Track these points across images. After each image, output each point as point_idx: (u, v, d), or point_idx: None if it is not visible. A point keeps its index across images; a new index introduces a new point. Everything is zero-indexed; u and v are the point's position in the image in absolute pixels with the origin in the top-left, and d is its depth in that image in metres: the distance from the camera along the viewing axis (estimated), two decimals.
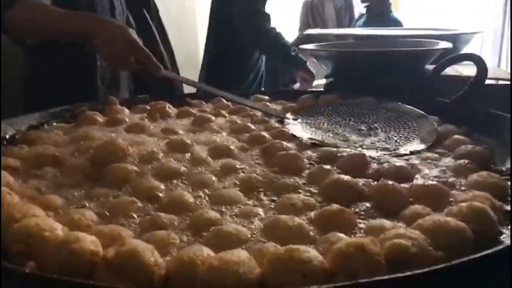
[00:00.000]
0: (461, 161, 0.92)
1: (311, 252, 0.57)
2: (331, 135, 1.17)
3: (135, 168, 0.93)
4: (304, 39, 3.51)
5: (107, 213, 0.77)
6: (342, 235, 0.67)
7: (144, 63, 1.42)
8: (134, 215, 0.77)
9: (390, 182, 0.81)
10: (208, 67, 3.02)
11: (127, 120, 1.29)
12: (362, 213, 0.76)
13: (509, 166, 0.92)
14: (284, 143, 1.04)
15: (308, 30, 3.56)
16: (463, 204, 0.70)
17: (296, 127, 1.22)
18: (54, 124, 1.28)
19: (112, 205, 0.80)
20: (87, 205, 0.81)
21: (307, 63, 2.86)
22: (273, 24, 2.81)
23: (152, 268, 0.57)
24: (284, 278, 0.54)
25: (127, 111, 1.41)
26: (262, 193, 0.85)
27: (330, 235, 0.66)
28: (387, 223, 0.71)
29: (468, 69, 1.65)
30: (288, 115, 1.32)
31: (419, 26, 3.20)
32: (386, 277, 0.52)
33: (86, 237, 0.60)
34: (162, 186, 0.87)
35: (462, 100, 1.29)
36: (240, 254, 0.57)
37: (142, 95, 1.58)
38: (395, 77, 1.50)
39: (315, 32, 3.09)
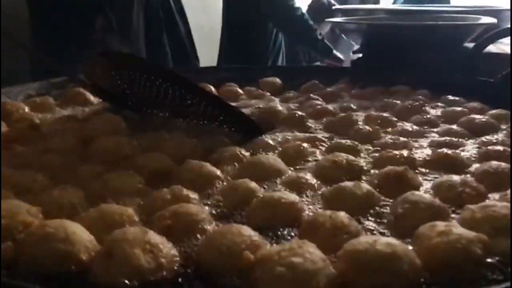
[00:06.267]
0: None
1: (406, 258, 0.45)
2: None
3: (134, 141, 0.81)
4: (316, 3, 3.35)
5: (100, 193, 0.64)
6: (421, 193, 0.60)
7: None
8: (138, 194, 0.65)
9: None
10: (225, 50, 2.88)
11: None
12: None
13: None
14: None
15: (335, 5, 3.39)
16: None
17: None
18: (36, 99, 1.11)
19: (105, 182, 0.66)
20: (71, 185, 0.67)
21: (334, 51, 2.70)
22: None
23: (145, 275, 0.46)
24: None
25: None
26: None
27: (409, 195, 0.59)
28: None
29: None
30: None
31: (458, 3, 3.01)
32: None
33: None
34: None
35: (508, 79, 1.15)
36: (312, 255, 0.45)
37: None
38: (431, 54, 1.38)
39: (344, 7, 2.92)
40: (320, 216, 0.54)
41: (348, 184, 0.63)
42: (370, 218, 0.58)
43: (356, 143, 0.83)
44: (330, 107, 1.08)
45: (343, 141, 0.84)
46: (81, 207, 0.60)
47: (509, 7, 1.94)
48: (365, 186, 0.62)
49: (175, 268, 0.48)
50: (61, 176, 0.70)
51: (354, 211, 0.57)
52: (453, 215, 0.58)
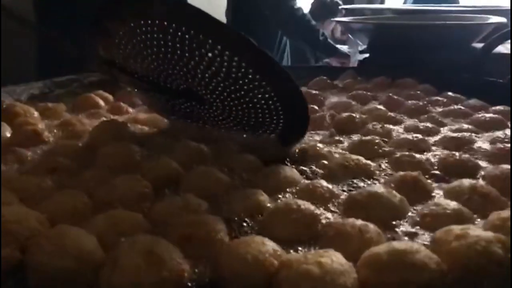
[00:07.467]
0: None
1: (423, 252, 0.45)
2: None
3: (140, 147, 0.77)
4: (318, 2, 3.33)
5: (105, 198, 0.62)
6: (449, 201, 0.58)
7: None
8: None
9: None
10: None
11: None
12: None
13: None
14: None
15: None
16: None
17: None
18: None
19: (111, 187, 0.63)
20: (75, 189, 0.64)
21: (338, 49, 2.68)
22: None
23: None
24: None
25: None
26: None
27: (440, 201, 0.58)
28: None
29: None
30: None
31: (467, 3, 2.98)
32: None
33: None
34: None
35: None
36: (339, 258, 0.45)
37: None
38: (439, 54, 1.36)
39: (350, 7, 2.90)
40: (348, 227, 0.51)
41: (382, 190, 0.60)
42: (398, 228, 0.56)
43: (377, 137, 0.81)
44: (336, 104, 1.08)
45: (367, 137, 0.82)
46: (87, 213, 0.58)
47: None
48: (396, 193, 0.60)
49: (182, 282, 0.46)
50: (66, 182, 0.67)
51: (388, 220, 0.56)
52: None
